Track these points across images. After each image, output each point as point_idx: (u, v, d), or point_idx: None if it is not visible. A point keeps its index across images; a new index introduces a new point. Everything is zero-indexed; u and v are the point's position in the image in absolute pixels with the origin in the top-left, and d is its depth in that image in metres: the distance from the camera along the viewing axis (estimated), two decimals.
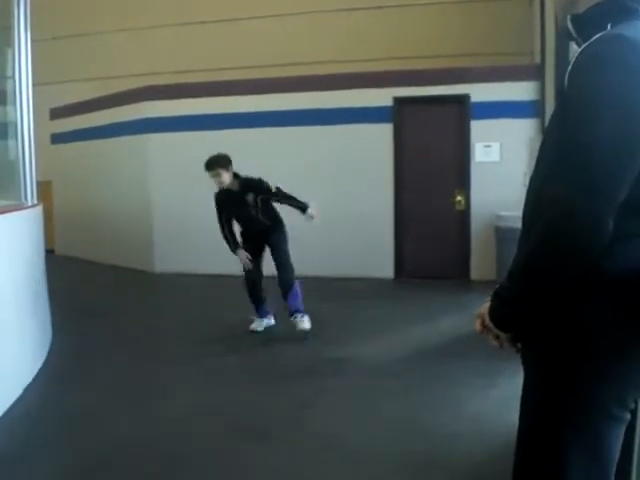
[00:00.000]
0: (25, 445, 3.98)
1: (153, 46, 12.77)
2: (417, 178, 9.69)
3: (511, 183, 8.69)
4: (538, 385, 1.73)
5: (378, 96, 9.77)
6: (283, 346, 6.31)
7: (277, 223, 6.86)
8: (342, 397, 4.87)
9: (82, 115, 12.16)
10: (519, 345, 1.79)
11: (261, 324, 6.87)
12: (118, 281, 10.19)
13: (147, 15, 12.76)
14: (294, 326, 6.55)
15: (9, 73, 6.22)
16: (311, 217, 6.74)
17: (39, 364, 5.47)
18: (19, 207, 5.62)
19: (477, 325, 1.83)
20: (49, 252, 7.97)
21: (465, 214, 9.57)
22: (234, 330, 6.90)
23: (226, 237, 6.76)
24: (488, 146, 9.39)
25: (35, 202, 6.22)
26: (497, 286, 1.72)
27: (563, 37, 8.01)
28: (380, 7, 11.60)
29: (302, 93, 10.07)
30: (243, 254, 6.72)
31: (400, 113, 9.73)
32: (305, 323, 6.55)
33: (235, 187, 6.59)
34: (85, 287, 9.59)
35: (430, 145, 9.66)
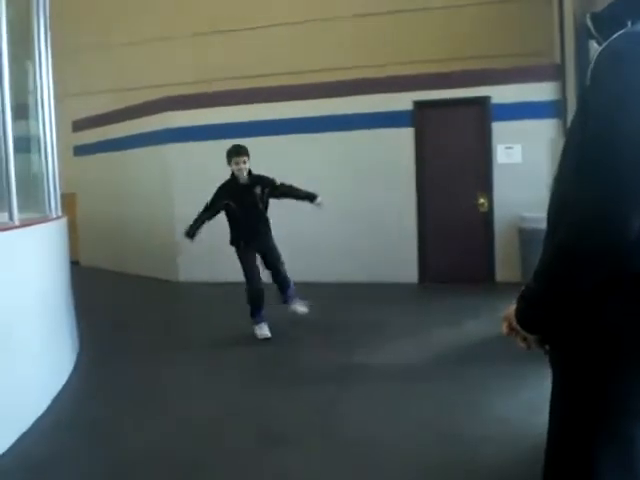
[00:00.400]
0: (54, 453, 4.02)
1: (173, 57, 12.85)
2: (439, 182, 9.66)
3: (534, 184, 8.63)
4: (568, 387, 1.71)
5: (398, 100, 9.76)
6: (304, 351, 6.30)
7: (270, 229, 7.06)
8: (365, 402, 4.85)
9: (104, 127, 12.26)
10: (547, 347, 1.78)
11: (267, 328, 6.90)
12: (142, 291, 10.24)
13: (166, 26, 12.84)
14: (294, 313, 7.02)
15: (31, 86, 6.27)
16: (319, 205, 6.98)
17: (67, 375, 5.50)
18: (44, 220, 5.66)
19: (504, 327, 1.82)
20: (74, 264, 8.02)
21: (488, 216, 9.52)
22: (254, 336, 6.90)
23: (199, 219, 6.86)
24: (510, 148, 9.34)
25: (59, 214, 6.27)
26: (523, 288, 1.71)
27: (583, 36, 7.98)
28: (398, 11, 11.59)
29: (322, 100, 10.09)
30: (186, 242, 6.90)
31: (421, 117, 9.72)
32: (305, 306, 7.00)
33: (245, 180, 6.78)
34: (110, 297, 9.65)
35: (452, 148, 9.63)
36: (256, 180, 6.83)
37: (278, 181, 6.93)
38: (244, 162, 6.71)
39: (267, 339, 6.77)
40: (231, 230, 6.99)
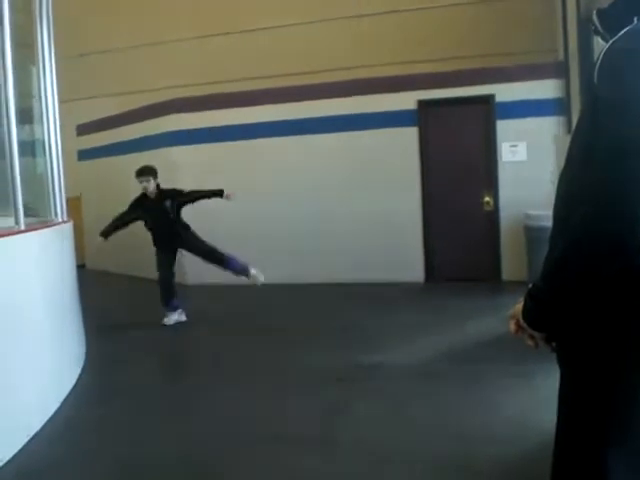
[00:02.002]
0: (64, 455, 4.03)
1: (177, 59, 12.87)
2: (444, 180, 9.65)
3: (539, 182, 8.63)
4: (576, 385, 1.71)
5: (402, 100, 9.76)
6: (315, 352, 6.29)
7: (187, 229, 7.88)
8: (374, 401, 4.84)
9: (108, 131, 12.28)
10: (554, 345, 1.77)
11: (171, 318, 7.81)
12: (150, 294, 10.19)
13: (170, 29, 12.86)
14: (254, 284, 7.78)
15: (34, 91, 6.27)
16: (229, 197, 7.79)
17: (75, 377, 5.51)
18: (50, 224, 5.67)
19: (511, 325, 1.82)
20: (80, 267, 8.03)
21: (494, 215, 9.52)
22: (265, 336, 6.93)
23: (113, 224, 7.78)
24: (514, 146, 9.33)
25: (65, 218, 6.28)
26: (530, 286, 1.70)
27: (586, 33, 7.97)
28: (400, 10, 11.59)
29: (326, 100, 10.10)
30: (99, 241, 7.72)
31: (425, 116, 9.72)
32: (260, 276, 7.79)
33: (154, 195, 7.73)
34: (117, 300, 9.67)
35: (456, 147, 9.62)
36: (165, 194, 7.75)
37: (185, 190, 7.85)
38: (147, 181, 7.63)
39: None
40: (151, 235, 7.94)
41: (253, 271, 7.75)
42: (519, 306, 1.76)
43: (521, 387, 4.90)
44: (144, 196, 7.76)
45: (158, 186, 7.76)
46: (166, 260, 7.89)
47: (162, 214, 7.70)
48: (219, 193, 7.77)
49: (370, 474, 3.65)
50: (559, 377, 1.80)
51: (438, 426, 4.27)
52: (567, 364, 1.74)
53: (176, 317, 7.84)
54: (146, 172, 7.69)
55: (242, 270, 7.78)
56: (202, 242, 7.85)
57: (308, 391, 5.12)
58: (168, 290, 7.86)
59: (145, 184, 7.64)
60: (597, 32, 1.77)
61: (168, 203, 7.71)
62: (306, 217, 10.14)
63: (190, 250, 7.96)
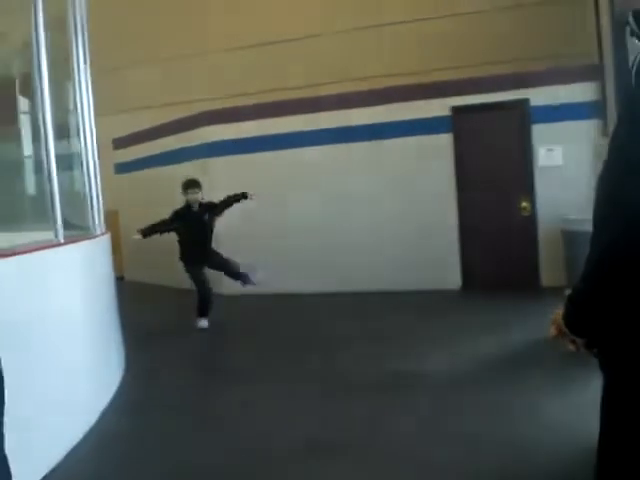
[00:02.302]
0: (103, 468, 4.07)
1: (211, 71, 12.96)
2: (480, 186, 9.59)
3: (576, 186, 8.54)
4: (618, 390, 1.68)
5: (436, 107, 9.73)
6: (351, 360, 6.27)
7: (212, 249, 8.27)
8: (413, 410, 4.81)
9: (144, 144, 12.40)
10: (595, 350, 1.75)
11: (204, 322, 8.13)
12: (187, 304, 10.28)
13: (203, 41, 12.97)
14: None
15: (71, 106, 6.36)
16: (252, 198, 8.18)
17: (114, 388, 5.56)
18: (88, 236, 5.73)
19: (552, 331, 1.81)
20: (119, 279, 8.11)
21: (531, 220, 9.43)
22: (299, 346, 6.93)
23: (153, 227, 7.97)
24: (551, 150, 9.25)
25: (103, 231, 6.35)
26: (570, 290, 1.68)
27: (620, 34, 7.87)
28: (434, 17, 11.56)
29: (359, 109, 10.11)
30: (137, 237, 7.93)
31: (459, 122, 9.67)
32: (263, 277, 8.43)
33: (197, 208, 8.04)
34: (155, 311, 9.73)
35: (492, 152, 9.56)
36: (205, 207, 8.09)
37: (214, 201, 8.19)
38: (196, 193, 7.96)
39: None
40: (181, 247, 8.22)
41: (258, 275, 8.38)
42: (560, 311, 1.75)
43: (563, 392, 4.85)
44: (187, 208, 8.02)
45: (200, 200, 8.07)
46: (202, 274, 8.17)
47: (202, 227, 8.03)
48: (244, 196, 8.12)
49: None
50: (602, 381, 1.77)
51: (478, 433, 4.23)
52: (608, 369, 1.72)
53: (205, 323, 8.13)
54: (195, 185, 7.99)
55: (247, 279, 8.33)
56: (222, 257, 8.32)
57: (345, 399, 5.11)
58: (208, 303, 8.15)
59: (194, 196, 7.95)
60: (633, 33, 1.75)
61: (207, 216, 8.05)
62: (339, 226, 10.13)
63: (213, 265, 8.30)
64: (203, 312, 8.12)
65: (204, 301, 8.13)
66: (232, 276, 8.39)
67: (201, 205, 8.05)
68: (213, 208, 8.11)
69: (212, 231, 8.19)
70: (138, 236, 7.88)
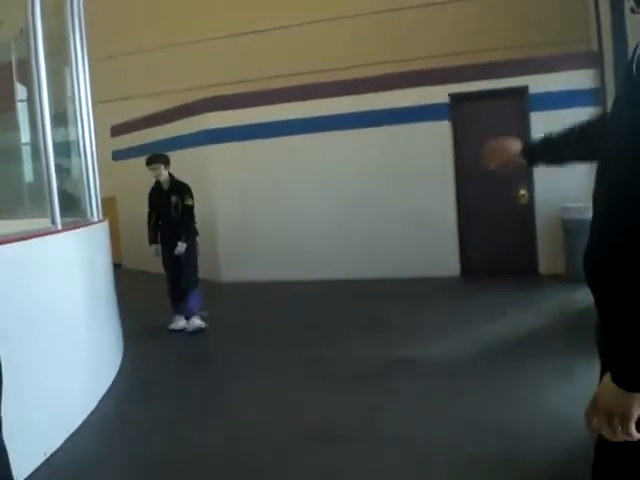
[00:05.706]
0: (103, 452, 4.10)
1: (209, 58, 12.89)
2: (478, 174, 9.53)
3: (574, 174, 8.40)
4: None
5: (434, 93, 9.70)
6: (350, 348, 6.28)
7: (192, 236, 7.42)
8: (412, 398, 4.82)
9: (142, 131, 12.36)
10: None
11: (179, 323, 7.46)
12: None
13: (202, 28, 12.89)
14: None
15: (69, 93, 6.34)
16: (177, 249, 7.23)
17: (112, 376, 5.57)
18: (86, 223, 5.73)
19: (594, 422, 1.49)
20: (116, 266, 8.10)
21: (530, 208, 9.43)
22: (299, 333, 6.94)
23: (150, 228, 7.52)
24: None
25: (100, 218, 6.34)
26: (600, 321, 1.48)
27: (619, 21, 7.84)
28: (432, 3, 11.51)
29: (357, 95, 10.08)
30: (153, 249, 7.47)
31: (457, 109, 9.65)
32: (199, 324, 7.31)
33: (166, 186, 7.35)
34: (153, 299, 9.71)
35: (490, 140, 9.51)
36: (175, 187, 7.34)
37: (190, 201, 7.31)
38: (157, 169, 7.26)
39: None
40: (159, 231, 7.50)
41: (197, 321, 7.32)
42: (600, 389, 1.49)
43: (561, 382, 4.84)
44: (157, 185, 7.43)
45: (171, 176, 7.39)
46: (171, 260, 7.38)
47: (167, 208, 7.32)
48: (183, 238, 7.24)
49: (406, 472, 3.63)
50: (599, 371, 1.76)
51: (476, 421, 4.24)
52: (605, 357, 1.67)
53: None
54: (155, 160, 7.31)
55: (190, 312, 7.39)
56: (195, 261, 7.46)
57: (344, 387, 5.12)
58: (175, 294, 7.50)
59: (155, 172, 7.27)
60: (634, 11, 1.71)
61: (174, 199, 7.28)
62: (339, 214, 10.12)
63: (179, 258, 7.34)
64: (173, 305, 7.52)
65: (168, 290, 7.55)
66: (183, 292, 7.43)
67: (174, 184, 7.34)
68: (183, 196, 7.25)
69: (187, 215, 7.30)
70: (154, 246, 7.46)
